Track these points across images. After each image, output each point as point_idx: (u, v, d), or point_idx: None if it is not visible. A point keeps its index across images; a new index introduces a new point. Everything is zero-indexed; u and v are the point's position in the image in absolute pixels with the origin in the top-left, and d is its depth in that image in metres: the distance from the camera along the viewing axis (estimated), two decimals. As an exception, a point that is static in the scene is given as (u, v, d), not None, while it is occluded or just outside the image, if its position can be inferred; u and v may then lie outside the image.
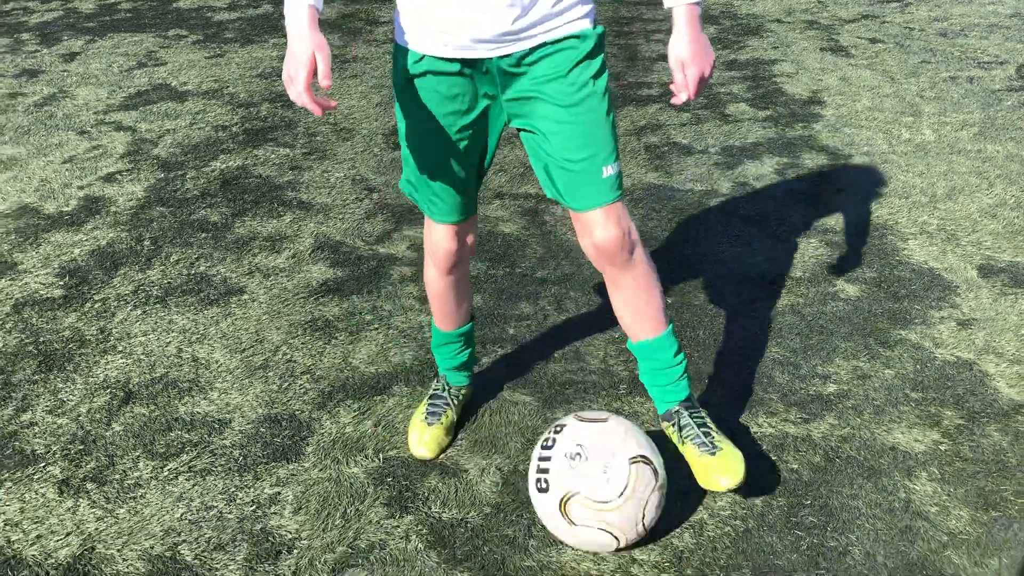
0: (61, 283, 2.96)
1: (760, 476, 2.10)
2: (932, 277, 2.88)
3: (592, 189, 1.79)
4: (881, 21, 5.51)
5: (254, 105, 4.48)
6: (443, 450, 2.21)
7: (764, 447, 2.19)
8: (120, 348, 2.62)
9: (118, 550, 1.94)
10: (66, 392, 2.44)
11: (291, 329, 2.70)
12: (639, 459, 1.82)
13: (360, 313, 2.76)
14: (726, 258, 3.02)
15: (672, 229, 3.21)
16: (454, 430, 2.26)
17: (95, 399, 2.41)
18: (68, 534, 1.99)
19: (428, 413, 2.23)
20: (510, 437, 2.25)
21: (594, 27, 1.77)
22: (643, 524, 1.82)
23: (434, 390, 2.29)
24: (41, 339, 2.68)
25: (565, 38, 1.73)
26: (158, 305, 2.83)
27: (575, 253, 3.03)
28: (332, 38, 5.43)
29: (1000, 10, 5.63)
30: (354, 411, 2.34)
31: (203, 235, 3.25)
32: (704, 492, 2.06)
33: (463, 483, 2.10)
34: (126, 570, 1.89)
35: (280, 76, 4.97)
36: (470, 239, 2.02)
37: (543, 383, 2.43)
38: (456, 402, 2.28)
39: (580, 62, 1.74)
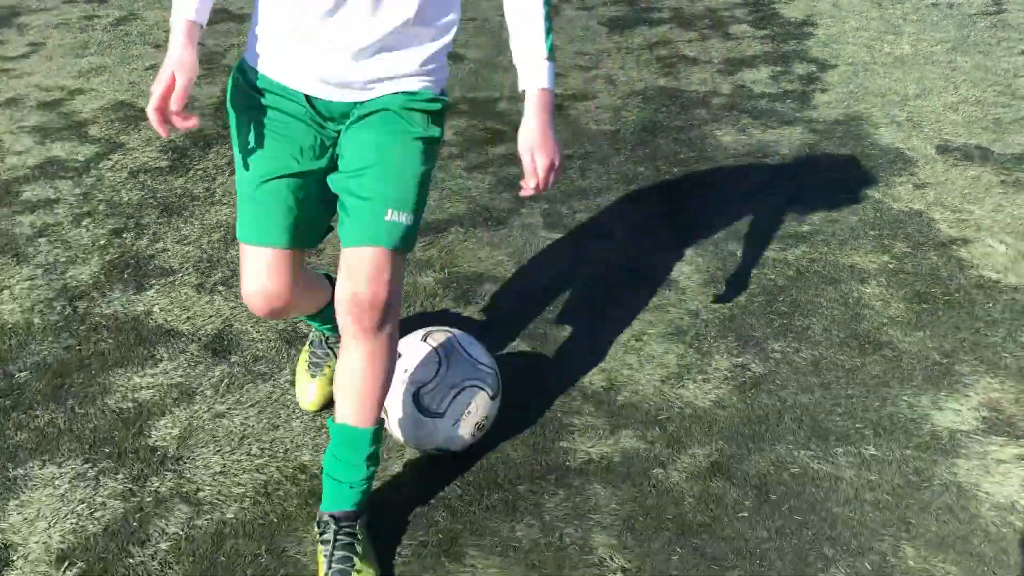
0: (165, 157, 3.54)
1: (744, 283, 2.68)
2: (897, 154, 3.43)
3: (369, 225, 1.67)
4: (874, -44, 5.98)
5: (306, 25, 5.02)
6: (328, 401, 2.16)
7: (748, 266, 2.76)
8: (225, 201, 3.20)
9: (251, 326, 2.54)
10: (187, 230, 3.03)
11: (363, 189, 3.27)
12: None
13: (419, 178, 3.33)
14: (725, 140, 3.57)
15: (680, 120, 3.76)
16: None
17: (212, 235, 3.00)
18: (210, 316, 2.58)
19: (311, 364, 2.23)
20: (530, 255, 2.83)
21: (439, 94, 1.75)
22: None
23: (312, 338, 2.28)
24: (158, 195, 3.25)
25: (407, 91, 1.72)
26: (250, 173, 3.40)
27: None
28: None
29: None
30: (422, 243, 2.92)
31: (278, 124, 3.82)
32: (697, 295, 2.64)
33: (513, 292, 2.69)
34: (260, 338, 2.49)
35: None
36: (289, 286, 1.78)
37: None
38: (335, 351, 2.23)
39: (411, 113, 1.72)
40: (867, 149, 3.47)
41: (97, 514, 1.95)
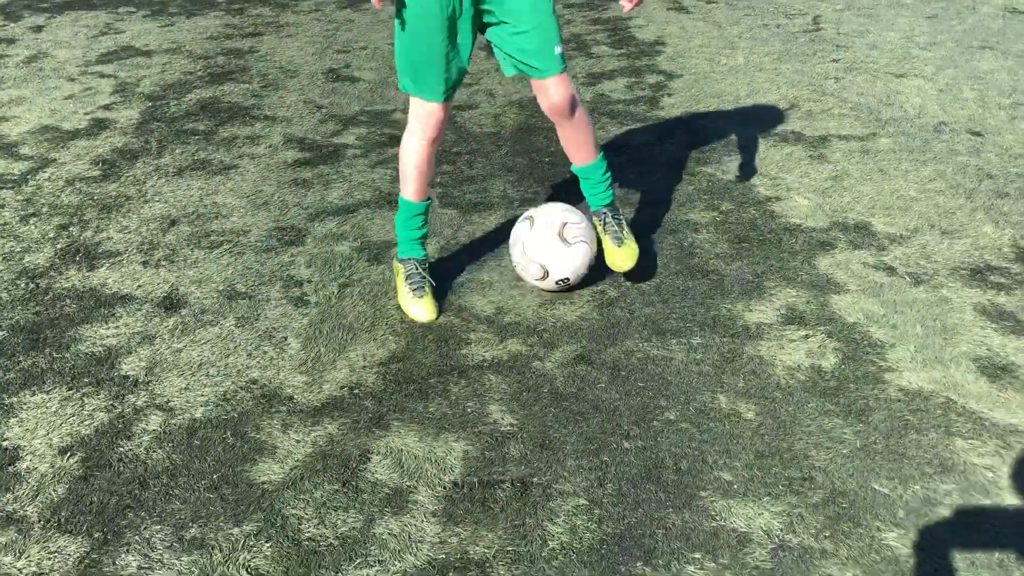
0: (96, 168, 3.96)
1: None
2: (728, 140, 4.15)
3: (549, 62, 2.52)
4: (715, -13, 6.86)
5: (211, 58, 5.49)
6: (440, 311, 2.81)
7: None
8: (157, 199, 3.65)
9: (195, 288, 3.01)
10: (127, 222, 3.47)
11: (279, 184, 3.77)
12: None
13: (327, 174, 3.86)
14: (587, 135, 4.23)
15: (550, 122, 4.39)
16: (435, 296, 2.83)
17: (149, 225, 3.45)
18: (158, 284, 3.04)
19: (415, 290, 2.77)
20: (429, 226, 3.39)
21: None
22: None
23: (407, 272, 2.81)
24: (95, 198, 3.68)
25: None
26: (176, 177, 3.86)
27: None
28: (264, 10, 6.46)
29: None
30: (335, 222, 3.44)
31: (196, 137, 4.28)
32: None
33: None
34: (204, 298, 2.96)
35: (228, 37, 6.00)
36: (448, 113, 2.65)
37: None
38: (428, 274, 2.82)
39: None
40: (704, 137, 4.18)
41: (87, 422, 2.39)
